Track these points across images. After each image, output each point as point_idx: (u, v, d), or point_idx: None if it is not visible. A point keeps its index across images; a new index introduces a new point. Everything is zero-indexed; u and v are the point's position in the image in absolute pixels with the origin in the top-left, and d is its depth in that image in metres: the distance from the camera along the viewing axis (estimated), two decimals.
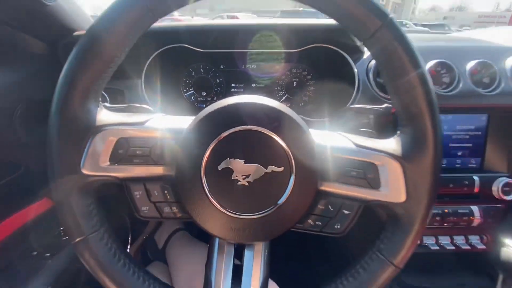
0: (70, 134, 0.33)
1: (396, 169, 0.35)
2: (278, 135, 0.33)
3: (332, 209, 0.37)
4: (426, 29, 17.01)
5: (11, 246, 0.58)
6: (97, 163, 0.34)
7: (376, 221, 0.38)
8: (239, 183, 0.34)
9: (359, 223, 0.38)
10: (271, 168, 0.34)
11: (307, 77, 0.75)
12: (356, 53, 0.63)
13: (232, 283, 0.38)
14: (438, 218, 0.65)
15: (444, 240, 0.66)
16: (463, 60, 0.63)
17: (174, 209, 0.37)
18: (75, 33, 0.59)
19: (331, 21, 0.50)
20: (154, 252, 0.93)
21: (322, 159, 0.35)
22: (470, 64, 0.62)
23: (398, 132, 0.36)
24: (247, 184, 0.34)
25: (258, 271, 0.38)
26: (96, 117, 0.34)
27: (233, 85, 0.76)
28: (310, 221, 0.38)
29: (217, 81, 0.75)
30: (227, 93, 0.76)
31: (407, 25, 16.65)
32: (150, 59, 0.63)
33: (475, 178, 0.65)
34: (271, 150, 0.34)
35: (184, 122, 0.37)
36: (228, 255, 0.38)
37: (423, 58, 0.64)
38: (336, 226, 0.37)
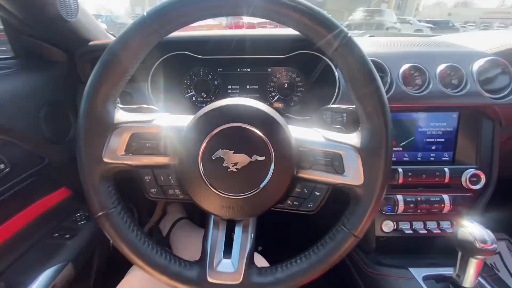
0: (94, 131, 0.41)
1: (356, 158, 0.43)
2: (260, 130, 0.41)
3: (306, 191, 0.45)
4: (429, 25, 16.88)
5: (35, 229, 0.67)
6: (115, 154, 0.42)
7: (344, 201, 0.46)
8: (229, 169, 0.42)
9: (332, 204, 0.47)
10: (255, 157, 0.42)
11: (296, 79, 0.83)
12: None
13: (224, 252, 0.46)
14: (412, 206, 0.72)
15: (418, 225, 0.74)
16: (434, 64, 0.70)
17: (177, 191, 0.45)
18: (90, 43, 0.68)
19: None
20: (159, 239, 1.01)
21: (299, 150, 0.44)
22: (440, 68, 0.70)
23: (359, 128, 0.44)
24: (236, 171, 0.42)
25: (246, 243, 0.46)
26: (114, 117, 0.43)
27: (229, 86, 0.84)
28: (289, 201, 0.46)
29: (215, 83, 0.83)
30: (225, 94, 0.84)
31: (411, 22, 16.56)
32: (156, 65, 0.71)
33: (446, 169, 0.72)
34: (255, 142, 0.42)
35: (185, 120, 0.45)
36: (221, 229, 0.47)
37: (398, 62, 0.72)
38: (309, 205, 0.45)
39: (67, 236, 0.68)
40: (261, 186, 0.42)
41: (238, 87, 0.84)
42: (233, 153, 0.42)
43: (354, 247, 0.43)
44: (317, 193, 0.45)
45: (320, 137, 0.45)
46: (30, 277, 0.55)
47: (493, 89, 0.69)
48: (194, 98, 0.85)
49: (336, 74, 0.70)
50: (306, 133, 0.46)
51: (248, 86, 0.84)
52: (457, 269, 0.59)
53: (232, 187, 0.42)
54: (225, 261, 0.45)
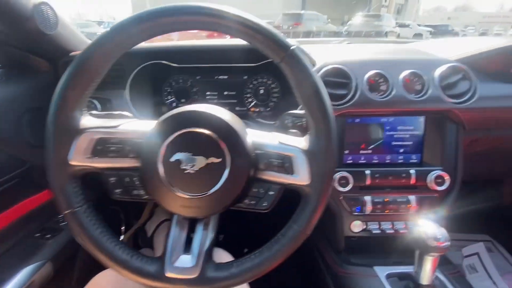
0: (61, 136, 0.45)
1: (304, 159, 0.46)
2: (217, 134, 0.45)
3: (262, 191, 0.49)
4: (429, 29, 16.98)
5: (16, 230, 0.71)
6: (81, 157, 0.46)
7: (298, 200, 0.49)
8: (186, 171, 0.45)
9: (287, 203, 0.50)
10: (212, 159, 0.45)
11: (272, 86, 0.87)
12: None
13: (185, 249, 0.49)
14: (379, 206, 0.75)
15: (386, 225, 0.77)
16: (398, 71, 0.74)
17: (141, 192, 0.49)
18: (71, 53, 0.72)
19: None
20: (144, 240, 1.05)
21: (255, 153, 0.47)
22: (403, 74, 0.73)
23: (308, 132, 0.47)
24: (193, 172, 0.45)
25: (205, 240, 0.49)
26: (80, 122, 0.46)
27: (208, 93, 0.88)
28: (246, 201, 0.49)
29: (194, 90, 0.87)
30: (203, 100, 0.88)
31: (410, 26, 16.68)
32: (133, 74, 0.75)
33: (411, 171, 0.75)
34: (211, 145, 0.45)
35: (149, 125, 0.48)
36: (182, 227, 0.50)
37: (364, 69, 0.76)
38: (263, 204, 0.49)
39: (48, 236, 0.71)
40: (218, 186, 0.45)
41: (216, 93, 0.88)
42: (191, 155, 0.45)
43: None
44: (271, 193, 0.48)
45: (275, 140, 0.49)
46: (8, 275, 0.59)
47: (454, 94, 0.73)
48: (174, 104, 0.89)
49: None
50: (264, 137, 0.50)
51: (225, 93, 0.88)
52: (415, 267, 0.62)
53: (190, 188, 0.45)
54: (184, 256, 0.48)
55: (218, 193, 0.46)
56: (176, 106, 0.89)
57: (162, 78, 0.85)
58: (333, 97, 0.73)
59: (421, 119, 0.78)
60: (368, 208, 0.75)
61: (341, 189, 0.74)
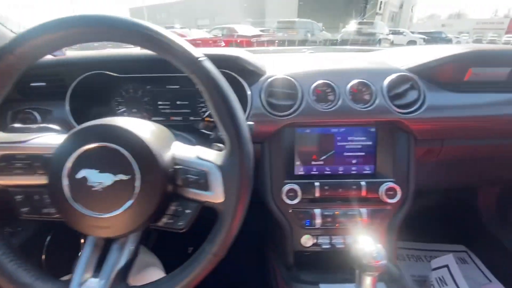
0: None
1: (217, 175, 0.44)
2: (126, 150, 0.42)
3: (180, 209, 0.46)
4: (423, 36, 17.25)
5: None
6: None
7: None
8: (93, 188, 0.43)
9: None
10: (120, 176, 0.43)
11: None
12: (252, 76, 0.73)
13: (96, 271, 0.46)
14: (329, 219, 0.73)
15: (338, 239, 0.74)
16: (345, 80, 0.72)
17: (51, 210, 0.46)
18: None
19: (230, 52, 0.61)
20: None
21: (174, 168, 0.44)
22: (351, 84, 0.71)
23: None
24: (101, 190, 0.43)
25: (118, 261, 0.46)
26: None
27: (159, 102, 0.86)
28: (164, 219, 0.47)
29: (145, 99, 0.85)
30: (155, 110, 0.86)
31: (404, 33, 16.90)
32: (74, 84, 0.73)
33: (362, 183, 0.73)
34: (121, 162, 0.42)
35: (60, 139, 0.46)
36: (95, 248, 0.47)
37: (311, 79, 0.73)
38: (179, 224, 0.46)
39: None
40: (127, 205, 0.43)
41: (168, 103, 0.86)
42: (98, 172, 0.43)
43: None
44: (187, 211, 0.46)
45: (193, 154, 0.46)
46: None
47: (403, 104, 0.71)
48: (125, 114, 0.86)
49: (249, 92, 0.72)
50: (185, 151, 0.47)
51: (178, 102, 0.86)
52: (356, 285, 0.59)
53: (97, 207, 0.43)
54: (93, 280, 0.45)
55: (128, 212, 0.43)
56: (129, 116, 0.87)
57: (111, 88, 0.83)
58: (279, 108, 0.72)
59: (373, 129, 0.75)
60: (318, 221, 0.72)
61: (289, 201, 0.72)
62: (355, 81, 0.71)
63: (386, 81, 0.72)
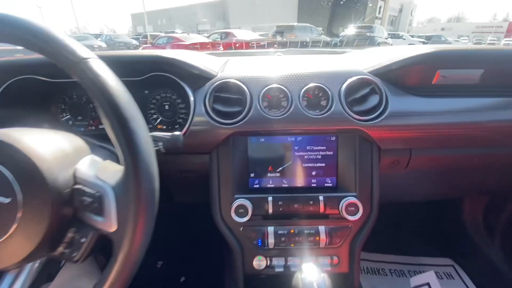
0: None
1: (111, 199, 0.37)
2: (7, 168, 0.36)
3: (77, 237, 0.39)
4: (422, 40, 17.30)
5: None
6: None
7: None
8: None
9: None
10: (0, 199, 0.36)
11: (177, 101, 0.78)
12: (198, 80, 0.66)
13: None
14: (284, 239, 0.65)
15: (294, 261, 0.66)
16: (300, 85, 0.65)
17: None
18: None
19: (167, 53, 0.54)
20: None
21: (74, 188, 0.38)
22: (304, 89, 0.64)
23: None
24: None
25: None
26: None
27: None
28: (60, 248, 0.40)
29: (91, 106, 0.78)
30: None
31: (403, 37, 16.90)
32: (0, 90, 0.66)
33: (320, 197, 0.65)
34: (1, 182, 0.36)
35: None
36: None
37: (263, 84, 0.66)
38: (73, 254, 0.39)
39: None
40: (9, 232, 0.36)
41: None
42: None
43: None
44: (82, 240, 0.39)
45: (91, 173, 0.40)
46: None
47: (363, 111, 0.64)
48: (71, 122, 0.80)
49: (192, 98, 0.65)
50: (88, 168, 0.41)
51: None
52: None
53: None
54: None
55: (11, 240, 0.36)
56: (74, 124, 0.80)
57: (51, 94, 0.77)
58: (226, 115, 0.65)
59: (333, 138, 0.68)
60: (271, 241, 0.65)
61: (238, 219, 0.64)
62: (310, 85, 0.64)
63: (344, 85, 0.65)
